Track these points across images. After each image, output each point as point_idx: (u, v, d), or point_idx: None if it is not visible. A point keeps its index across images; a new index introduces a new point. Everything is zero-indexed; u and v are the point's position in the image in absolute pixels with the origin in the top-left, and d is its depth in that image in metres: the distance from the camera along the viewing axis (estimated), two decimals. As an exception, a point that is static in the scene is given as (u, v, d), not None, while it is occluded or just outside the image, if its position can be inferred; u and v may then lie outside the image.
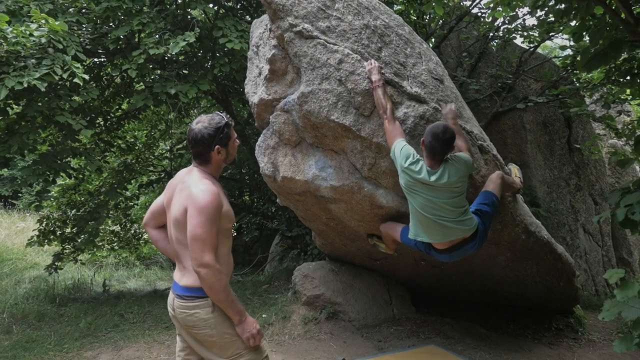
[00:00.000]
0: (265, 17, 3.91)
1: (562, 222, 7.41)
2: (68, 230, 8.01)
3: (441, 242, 3.14)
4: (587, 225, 7.95)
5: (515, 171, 3.84)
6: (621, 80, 5.38)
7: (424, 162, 3.02)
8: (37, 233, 7.99)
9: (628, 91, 5.77)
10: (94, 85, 6.78)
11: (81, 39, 5.57)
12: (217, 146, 2.23)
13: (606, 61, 3.23)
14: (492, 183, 3.33)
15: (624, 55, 4.55)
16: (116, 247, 10.13)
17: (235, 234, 12.63)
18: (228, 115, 2.34)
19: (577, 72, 6.73)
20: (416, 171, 2.97)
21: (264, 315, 4.94)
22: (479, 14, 7.79)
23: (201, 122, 2.24)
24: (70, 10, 5.55)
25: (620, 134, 7.05)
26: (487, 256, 4.20)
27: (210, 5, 6.47)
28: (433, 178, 2.95)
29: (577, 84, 7.09)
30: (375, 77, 3.21)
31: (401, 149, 3.05)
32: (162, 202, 2.42)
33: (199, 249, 2.06)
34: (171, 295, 2.32)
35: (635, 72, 4.55)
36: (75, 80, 4.74)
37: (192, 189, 2.15)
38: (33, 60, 4.61)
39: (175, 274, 2.32)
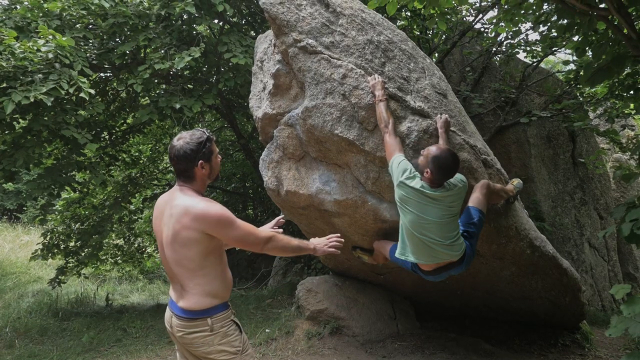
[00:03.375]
0: (269, 33, 3.95)
1: (567, 237, 7.36)
2: (72, 243, 8.02)
3: (427, 263, 3.13)
4: (593, 240, 7.89)
5: (514, 181, 3.80)
6: (625, 94, 5.39)
7: (420, 178, 3.00)
8: (41, 247, 8.00)
9: (632, 105, 5.78)
10: (100, 99, 6.85)
11: (87, 54, 5.64)
12: (200, 161, 2.21)
13: (609, 76, 3.24)
14: (478, 196, 3.28)
15: (627, 70, 4.57)
16: (119, 261, 10.12)
17: (237, 248, 12.58)
18: (209, 130, 2.34)
19: (581, 86, 6.74)
20: (411, 185, 2.96)
21: (267, 330, 4.91)
22: (482, 29, 7.84)
23: (182, 138, 2.21)
24: (78, 26, 5.63)
25: (624, 148, 7.03)
26: (492, 271, 4.17)
27: (216, 21, 6.55)
28: (429, 192, 2.95)
29: (581, 99, 7.10)
30: (378, 92, 3.22)
31: (399, 163, 3.05)
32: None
33: (252, 242, 2.25)
34: (169, 312, 2.31)
35: (639, 86, 4.56)
36: (81, 94, 4.80)
37: (197, 208, 2.12)
38: (40, 75, 4.66)
39: (172, 293, 2.30)
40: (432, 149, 2.97)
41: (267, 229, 2.35)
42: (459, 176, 3.08)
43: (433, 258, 3.08)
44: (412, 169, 3.03)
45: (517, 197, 3.82)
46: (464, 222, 3.22)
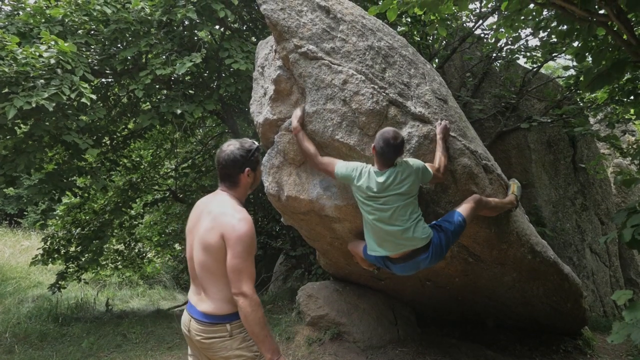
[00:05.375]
0: (270, 39, 3.97)
1: (568, 242, 7.35)
2: (72, 249, 8.01)
3: (393, 253, 3.15)
4: (594, 246, 7.87)
5: (513, 188, 3.78)
6: (625, 100, 5.40)
7: (370, 167, 3.08)
8: (41, 252, 7.99)
9: (632, 111, 5.79)
10: (101, 105, 6.87)
11: (89, 60, 5.66)
12: (247, 168, 2.26)
13: (609, 81, 3.25)
14: (466, 204, 3.31)
15: (627, 76, 4.58)
16: (120, 266, 10.11)
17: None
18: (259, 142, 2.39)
19: (581, 92, 6.76)
20: (363, 181, 3.04)
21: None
22: (482, 35, 7.87)
23: (232, 145, 2.27)
24: (80, 31, 5.66)
25: (625, 153, 7.04)
26: (493, 276, 4.16)
27: (217, 27, 6.58)
28: (380, 179, 3.00)
29: (581, 104, 7.11)
30: (294, 123, 3.38)
31: (344, 165, 3.17)
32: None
33: (237, 279, 2.08)
34: (187, 316, 2.31)
35: (639, 92, 4.57)
36: (83, 100, 4.81)
37: (228, 217, 2.14)
38: (42, 81, 4.68)
39: (192, 296, 2.31)
40: (381, 131, 3.05)
41: (250, 290, 2.12)
42: (413, 160, 3.12)
43: (397, 246, 3.10)
44: (359, 164, 3.13)
45: (518, 204, 3.81)
46: (442, 218, 3.27)
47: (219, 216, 2.15)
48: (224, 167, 2.26)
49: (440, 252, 3.17)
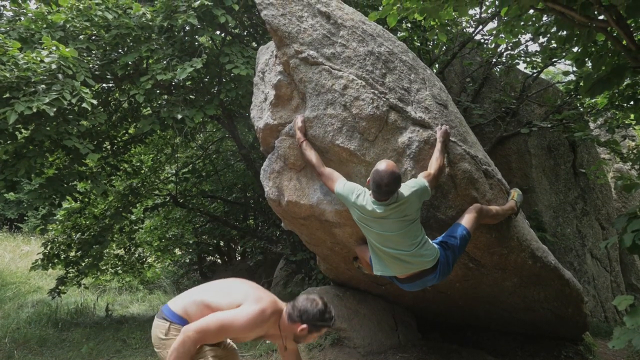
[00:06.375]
0: (271, 44, 3.98)
1: (569, 247, 7.34)
2: (72, 253, 8.00)
3: (400, 274, 3.13)
4: (595, 251, 7.86)
5: (514, 194, 3.77)
6: (625, 105, 5.40)
7: (368, 194, 3.00)
8: (41, 256, 7.99)
9: (632, 116, 5.79)
10: (102, 110, 6.88)
11: (90, 65, 5.68)
12: (306, 325, 2.43)
13: (609, 87, 3.25)
14: (468, 216, 3.27)
15: (627, 81, 4.59)
16: (120, 271, 10.10)
17: (239, 257, 12.57)
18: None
19: (581, 97, 6.77)
20: (363, 205, 2.97)
21: (267, 342, 4.88)
22: (482, 41, 7.89)
23: (317, 300, 2.52)
24: (81, 37, 5.67)
25: (625, 158, 7.04)
26: (494, 282, 4.15)
27: (217, 33, 6.60)
28: (379, 210, 2.92)
29: (581, 109, 7.12)
30: (297, 134, 3.40)
31: (344, 185, 3.12)
32: None
33: (199, 322, 2.30)
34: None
35: (639, 97, 4.57)
36: (84, 105, 4.81)
37: (250, 303, 2.38)
38: (43, 86, 4.69)
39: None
40: (379, 163, 2.95)
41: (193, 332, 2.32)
42: (410, 183, 3.03)
43: (405, 269, 3.07)
44: (359, 187, 3.07)
45: (519, 211, 3.80)
46: (446, 234, 3.22)
47: (246, 297, 2.42)
48: (294, 306, 2.44)
49: (447, 270, 3.14)
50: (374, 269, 3.26)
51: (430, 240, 3.11)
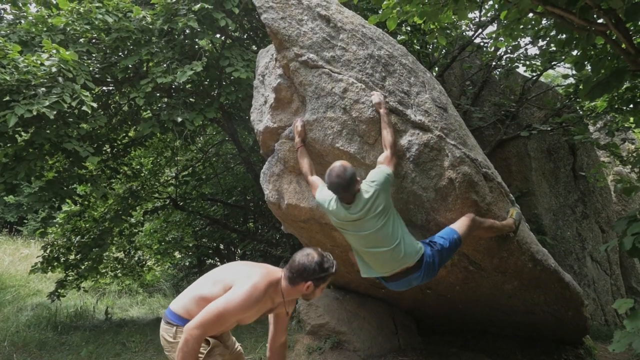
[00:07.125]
0: (271, 47, 3.99)
1: (569, 250, 7.33)
2: (72, 256, 7.99)
3: (385, 273, 3.12)
4: (595, 254, 7.86)
5: (512, 212, 3.74)
6: (624, 108, 5.41)
7: (334, 198, 3.01)
8: (41, 260, 7.97)
9: (632, 119, 5.80)
10: (102, 113, 6.88)
11: (90, 68, 5.69)
12: (310, 282, 2.42)
13: (608, 90, 3.26)
14: (461, 221, 3.27)
15: (626, 84, 4.59)
16: (119, 274, 10.08)
17: (239, 260, 12.54)
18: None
19: (580, 100, 6.78)
20: (335, 211, 3.00)
21: (267, 345, 4.86)
22: (482, 44, 7.91)
23: (312, 254, 2.48)
24: (81, 40, 5.69)
25: (625, 161, 7.04)
26: (494, 285, 4.15)
27: (218, 36, 6.62)
28: (352, 214, 2.94)
29: (581, 112, 7.13)
30: (296, 138, 3.43)
31: (319, 193, 3.15)
32: None
33: (200, 315, 2.27)
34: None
35: (638, 100, 4.58)
36: (84, 108, 4.82)
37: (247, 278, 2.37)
38: (43, 89, 4.70)
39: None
40: (330, 169, 2.96)
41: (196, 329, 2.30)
42: (371, 176, 3.02)
43: (389, 267, 3.07)
44: (328, 193, 3.05)
45: (517, 231, 3.76)
46: (437, 234, 3.22)
47: (236, 277, 2.39)
48: (292, 267, 2.41)
49: (432, 271, 3.12)
50: (361, 272, 3.27)
51: (414, 238, 3.11)
